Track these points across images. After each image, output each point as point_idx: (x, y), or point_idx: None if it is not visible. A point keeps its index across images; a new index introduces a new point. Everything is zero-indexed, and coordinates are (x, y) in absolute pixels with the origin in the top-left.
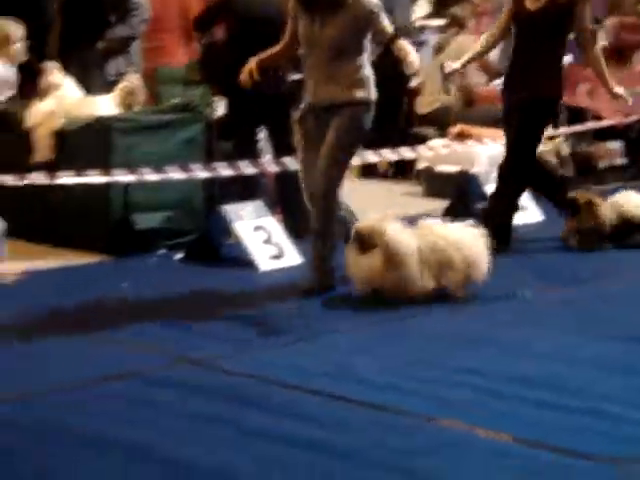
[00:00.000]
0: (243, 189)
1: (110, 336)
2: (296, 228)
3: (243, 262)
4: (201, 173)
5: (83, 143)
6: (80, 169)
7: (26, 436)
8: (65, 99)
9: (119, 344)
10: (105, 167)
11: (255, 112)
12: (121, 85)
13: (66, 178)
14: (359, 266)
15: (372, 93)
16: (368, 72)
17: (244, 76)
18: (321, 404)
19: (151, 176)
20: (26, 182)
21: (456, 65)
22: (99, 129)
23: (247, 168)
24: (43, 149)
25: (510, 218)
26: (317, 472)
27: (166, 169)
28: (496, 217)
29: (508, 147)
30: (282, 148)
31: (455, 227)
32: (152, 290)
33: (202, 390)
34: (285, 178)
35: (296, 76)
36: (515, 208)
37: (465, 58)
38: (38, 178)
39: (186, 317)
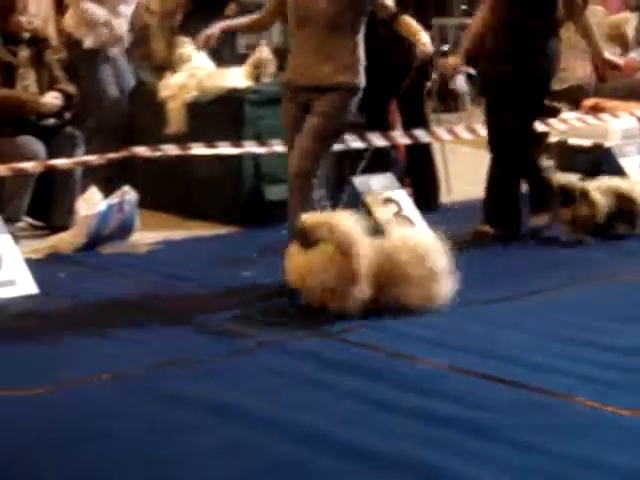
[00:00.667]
0: (373, 161)
1: (241, 309)
2: (427, 200)
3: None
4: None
5: (215, 115)
6: (212, 141)
7: (165, 401)
8: (197, 71)
9: (249, 318)
10: (236, 139)
11: (386, 83)
12: (252, 57)
13: (198, 150)
14: (298, 262)
15: (362, 78)
16: (361, 54)
17: (201, 39)
18: (458, 380)
19: (281, 147)
20: (159, 154)
21: (453, 60)
22: (231, 101)
23: (377, 140)
24: (176, 121)
25: (516, 202)
26: (456, 450)
27: None
28: (499, 204)
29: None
30: (412, 120)
31: (419, 235)
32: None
33: (332, 362)
34: (416, 150)
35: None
36: (518, 190)
37: (464, 48)
38: (171, 150)
39: None
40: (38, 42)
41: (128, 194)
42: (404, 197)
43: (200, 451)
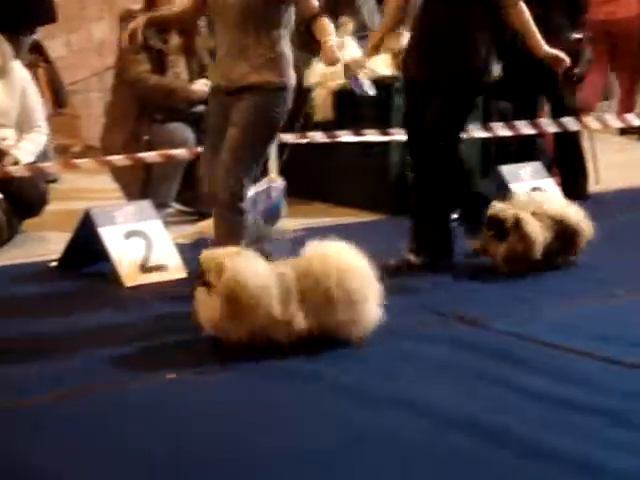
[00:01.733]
0: (521, 150)
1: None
2: (575, 190)
3: None
4: (478, 133)
5: (362, 102)
6: (359, 129)
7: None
8: (346, 59)
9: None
10: (384, 126)
11: (532, 72)
12: (400, 46)
13: (345, 137)
14: (203, 306)
15: (289, 75)
16: (284, 49)
17: (125, 34)
18: (595, 367)
19: None
20: (307, 141)
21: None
22: (379, 88)
23: (525, 128)
24: (324, 109)
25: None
26: (597, 437)
27: None
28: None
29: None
30: (559, 108)
31: (348, 255)
32: None
33: (472, 348)
34: (564, 139)
35: (577, 35)
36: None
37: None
38: (318, 137)
39: (462, 275)
40: (188, 30)
41: (276, 181)
42: (552, 186)
43: (348, 438)
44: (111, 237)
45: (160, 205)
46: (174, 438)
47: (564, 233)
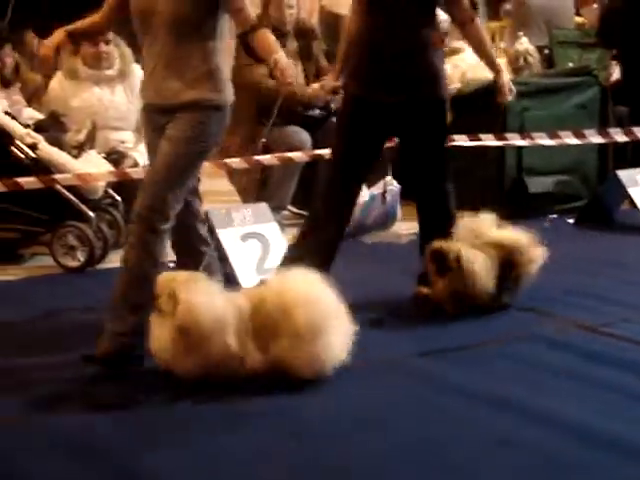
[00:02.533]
0: (637, 155)
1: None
2: None
3: (639, 228)
4: (595, 138)
5: (478, 107)
6: (474, 132)
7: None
8: (461, 63)
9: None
10: (499, 130)
11: None
12: (513, 49)
13: (460, 141)
14: (155, 336)
15: (225, 91)
16: (219, 63)
17: (44, 49)
18: None
19: (545, 141)
20: None
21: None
22: (495, 93)
23: None
24: None
25: None
26: None
27: (559, 133)
28: None
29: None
30: None
31: (309, 286)
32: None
33: (592, 355)
34: None
35: None
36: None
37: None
38: None
39: (580, 282)
40: (305, 34)
41: (391, 184)
42: None
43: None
44: (228, 239)
45: (276, 208)
46: None
47: (508, 261)
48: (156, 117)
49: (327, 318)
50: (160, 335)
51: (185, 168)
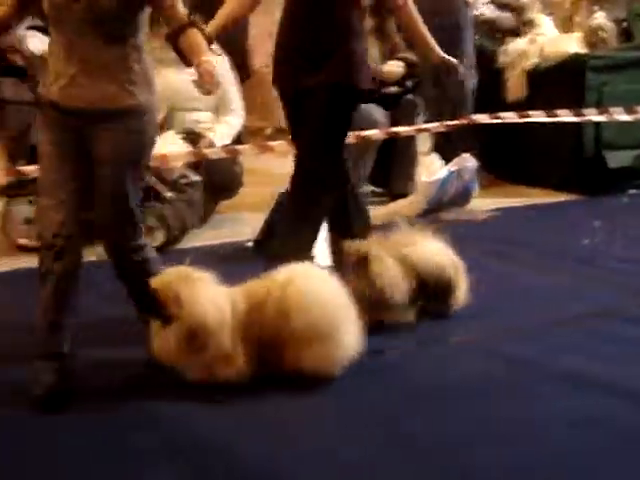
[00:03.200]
0: None
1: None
2: None
3: None
4: None
5: (556, 82)
6: (552, 108)
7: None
8: (538, 37)
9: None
10: (577, 106)
11: None
12: (590, 23)
13: (537, 117)
14: (160, 340)
15: (154, 91)
16: (145, 65)
17: None
18: None
19: (622, 116)
20: (498, 121)
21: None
22: (573, 67)
23: None
24: (516, 88)
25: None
26: None
27: (637, 108)
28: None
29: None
30: None
31: (313, 284)
32: (625, 229)
33: None
34: None
35: None
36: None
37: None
38: (510, 117)
39: None
40: (381, 12)
41: (468, 161)
42: None
43: (547, 417)
44: None
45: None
46: None
47: (429, 282)
48: (72, 120)
49: (332, 321)
50: (165, 339)
51: (138, 180)
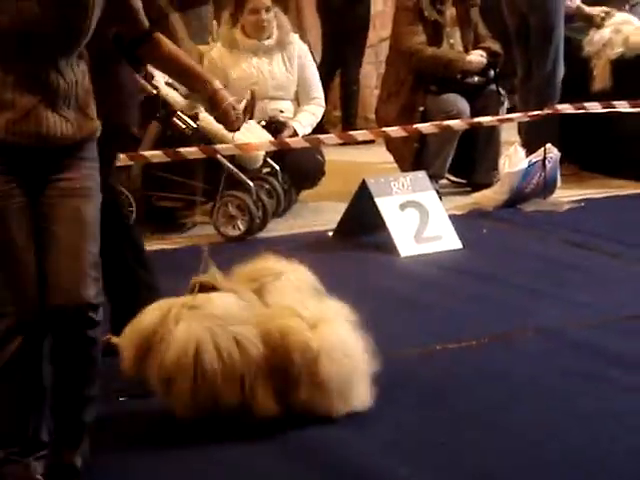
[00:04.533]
0: None
1: None
2: None
3: None
4: None
5: None
6: (638, 97)
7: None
8: (623, 27)
9: None
10: None
11: None
12: None
13: (621, 108)
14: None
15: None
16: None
17: None
18: None
19: None
20: (582, 111)
21: None
22: None
23: None
24: (601, 78)
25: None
26: None
27: None
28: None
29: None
30: None
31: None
32: None
33: None
34: None
35: None
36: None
37: None
38: (594, 107)
39: None
40: (465, 1)
41: (551, 152)
42: None
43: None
44: (387, 207)
45: (434, 176)
46: None
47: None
48: (21, 160)
49: (355, 368)
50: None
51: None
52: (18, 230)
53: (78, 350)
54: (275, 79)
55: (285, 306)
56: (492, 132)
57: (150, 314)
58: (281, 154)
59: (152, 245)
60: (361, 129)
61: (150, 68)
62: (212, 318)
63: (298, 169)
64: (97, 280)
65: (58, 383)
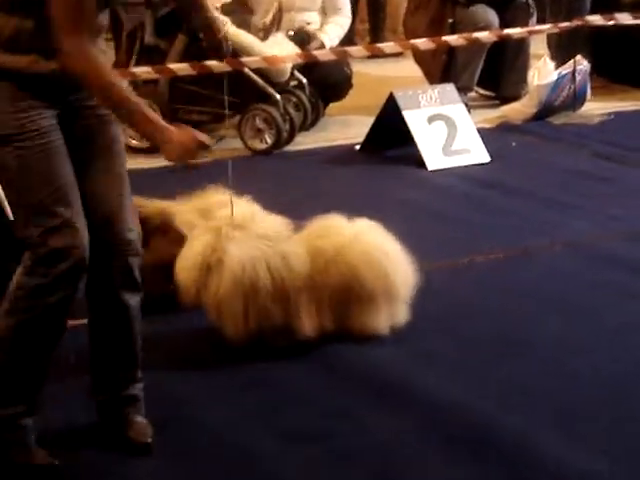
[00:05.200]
0: None
1: None
2: None
3: None
4: None
5: None
6: None
7: None
8: None
9: None
10: None
11: None
12: None
13: None
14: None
15: None
16: None
17: None
18: None
19: None
20: (612, 23)
21: None
22: None
23: None
24: None
25: None
26: None
27: None
28: None
29: None
30: None
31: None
32: None
33: None
34: None
35: None
36: None
37: None
38: (624, 18)
39: None
40: None
41: (580, 64)
42: None
43: None
44: (415, 120)
45: (462, 89)
46: None
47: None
48: (55, 94)
49: (398, 282)
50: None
51: None
52: (65, 166)
53: (131, 279)
54: None
55: (327, 224)
56: (521, 44)
57: (200, 239)
58: (308, 67)
59: None
60: (389, 41)
61: None
62: (261, 238)
63: (325, 82)
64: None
65: (114, 318)
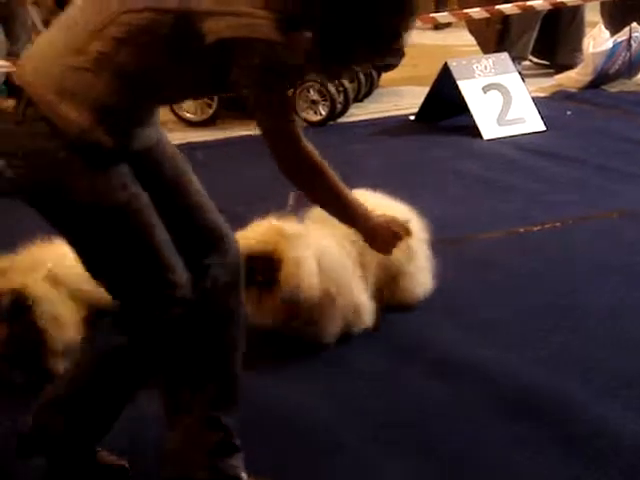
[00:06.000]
0: None
1: None
2: None
3: None
4: None
5: None
6: None
7: None
8: None
9: None
10: None
11: None
12: None
13: None
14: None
15: None
16: None
17: None
18: None
19: None
20: None
21: None
22: None
23: None
24: None
25: None
26: None
27: None
28: None
29: None
30: None
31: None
32: None
33: None
34: None
35: None
36: None
37: None
38: None
39: None
40: None
41: (636, 31)
42: None
43: None
44: (470, 90)
45: (517, 58)
46: None
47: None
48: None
49: (426, 257)
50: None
51: None
52: (153, 217)
53: (237, 297)
54: None
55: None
56: (576, 12)
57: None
58: None
59: (237, 131)
60: (443, 11)
61: None
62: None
63: None
64: None
65: (223, 339)
